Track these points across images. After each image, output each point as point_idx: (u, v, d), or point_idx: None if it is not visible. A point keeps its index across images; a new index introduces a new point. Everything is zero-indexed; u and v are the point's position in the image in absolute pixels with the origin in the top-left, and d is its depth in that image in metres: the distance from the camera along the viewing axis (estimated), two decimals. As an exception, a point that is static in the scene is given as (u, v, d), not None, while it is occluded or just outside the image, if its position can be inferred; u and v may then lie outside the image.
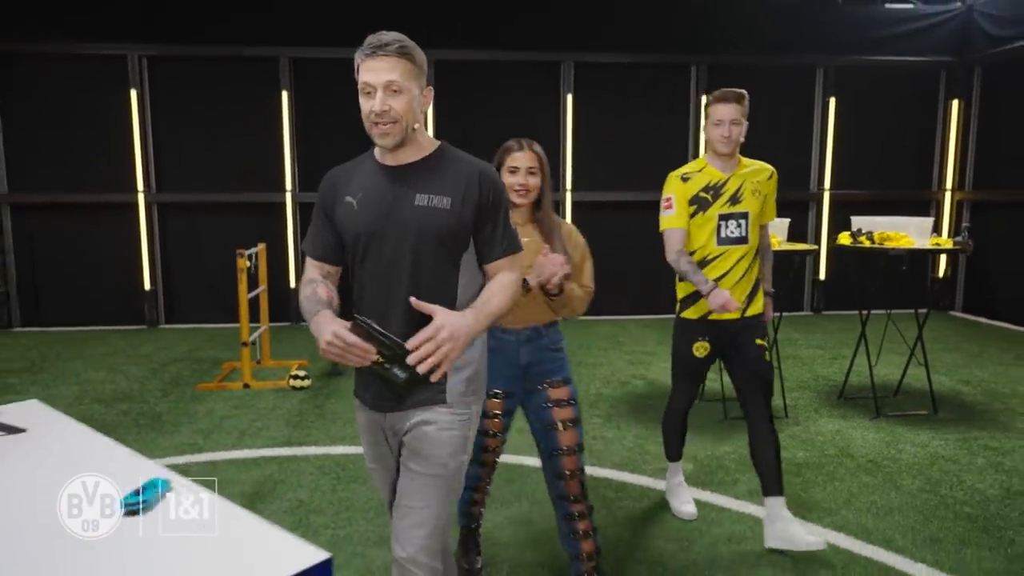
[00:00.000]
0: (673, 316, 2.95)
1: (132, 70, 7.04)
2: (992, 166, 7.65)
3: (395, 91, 1.57)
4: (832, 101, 7.76)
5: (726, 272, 2.75)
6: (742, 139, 2.74)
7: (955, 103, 7.86)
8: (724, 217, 2.74)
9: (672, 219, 2.77)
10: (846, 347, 5.90)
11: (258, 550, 0.92)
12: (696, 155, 7.73)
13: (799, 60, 7.66)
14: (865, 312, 4.50)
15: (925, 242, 4.23)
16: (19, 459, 1.17)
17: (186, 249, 7.42)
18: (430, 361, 1.49)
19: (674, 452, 3.10)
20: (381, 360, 1.52)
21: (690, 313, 2.84)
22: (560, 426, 2.29)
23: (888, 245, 4.16)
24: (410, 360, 1.49)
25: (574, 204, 7.47)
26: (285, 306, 7.19)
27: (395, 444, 1.73)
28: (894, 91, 7.85)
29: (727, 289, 2.70)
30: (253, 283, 5.30)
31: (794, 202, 7.76)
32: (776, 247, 4.14)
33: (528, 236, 2.19)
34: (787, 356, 5.68)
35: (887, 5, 7.70)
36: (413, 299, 1.57)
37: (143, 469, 1.07)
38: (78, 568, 0.87)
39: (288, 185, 7.35)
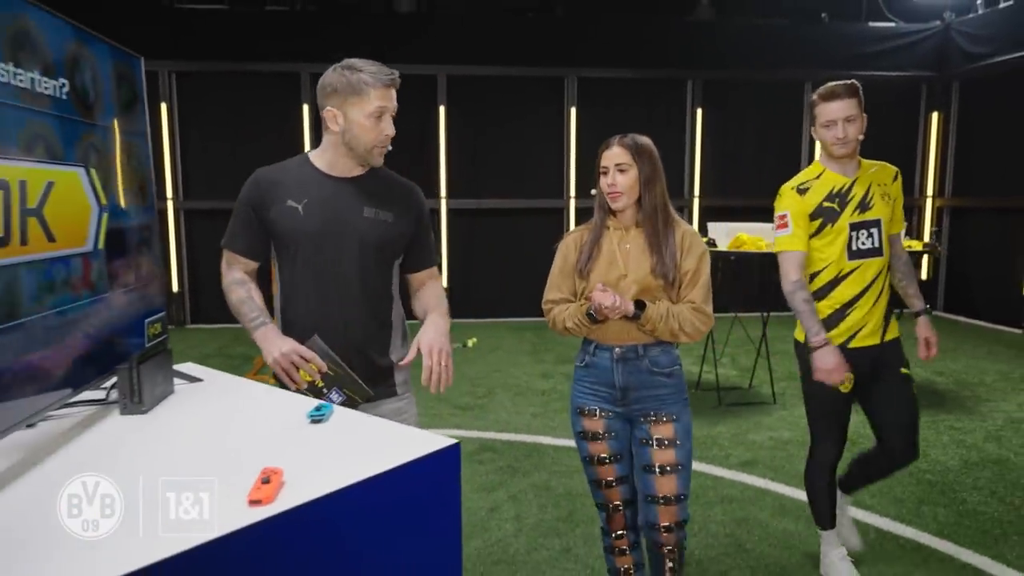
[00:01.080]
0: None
1: (162, 85, 7.49)
2: (970, 174, 8.14)
3: (392, 118, 1.84)
4: (819, 113, 8.24)
5: (863, 290, 2.36)
6: (861, 137, 2.35)
7: (935, 115, 8.36)
8: (855, 227, 2.34)
9: (788, 240, 2.39)
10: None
11: (398, 439, 1.29)
12: (692, 167, 8.21)
13: (788, 75, 8.15)
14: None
15: (898, 245, 4.68)
16: (200, 400, 1.60)
17: (211, 253, 7.84)
18: (442, 381, 1.66)
19: (828, 517, 2.57)
20: (321, 384, 1.68)
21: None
22: (657, 469, 1.97)
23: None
24: (428, 385, 1.65)
25: (578, 211, 7.97)
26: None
27: None
28: (878, 104, 8.30)
29: (865, 311, 2.36)
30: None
31: (784, 208, 8.24)
32: (764, 249, 4.60)
33: (630, 243, 1.99)
34: (777, 352, 6.13)
35: (870, 24, 8.20)
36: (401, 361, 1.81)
37: (301, 405, 1.50)
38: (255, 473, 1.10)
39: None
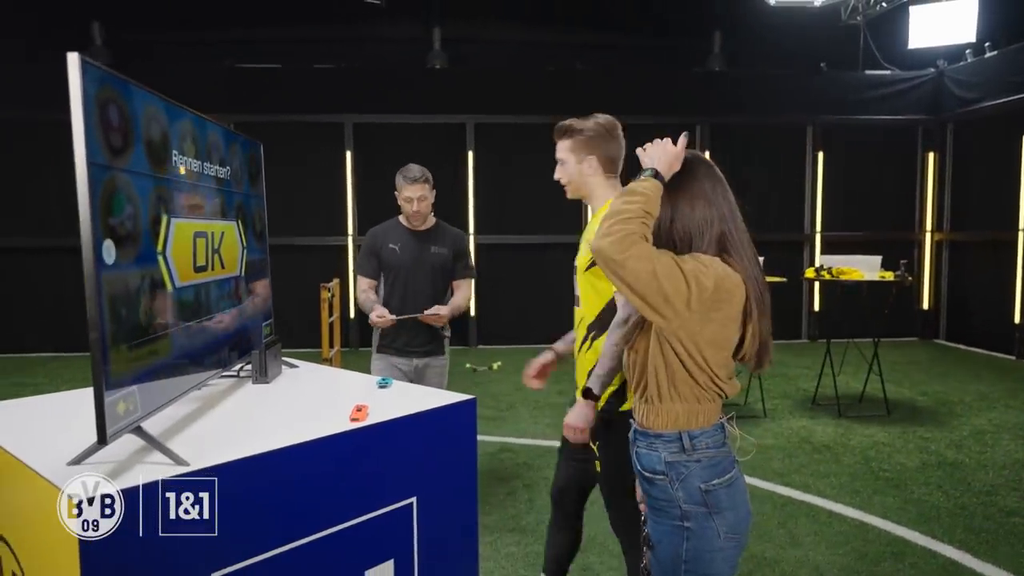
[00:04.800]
0: None
1: (223, 135, 8.43)
2: (966, 209, 8.67)
3: (421, 199, 3.12)
4: (820, 155, 8.88)
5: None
6: (563, 180, 2.32)
7: (931, 155, 8.94)
8: None
9: None
10: (828, 367, 6.89)
11: (435, 395, 1.99)
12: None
13: (790, 120, 8.81)
14: (839, 337, 5.53)
15: (874, 276, 5.28)
16: (302, 377, 2.31)
17: (288, 284, 8.68)
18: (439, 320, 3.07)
19: None
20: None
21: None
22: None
23: (843, 278, 5.23)
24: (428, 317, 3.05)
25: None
26: (348, 331, 8.39)
27: (407, 377, 3.12)
28: (876, 145, 8.94)
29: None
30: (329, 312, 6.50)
31: (790, 242, 8.85)
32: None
33: None
34: (775, 374, 6.70)
35: (867, 72, 8.85)
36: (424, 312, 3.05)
37: (371, 380, 2.20)
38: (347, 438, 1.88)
39: (349, 230, 8.62)
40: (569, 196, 2.33)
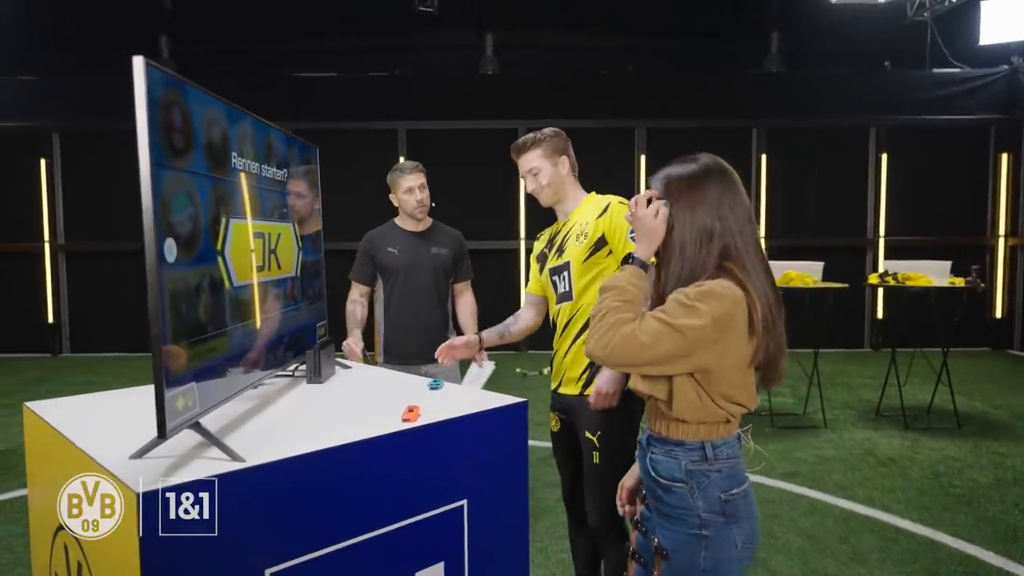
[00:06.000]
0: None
1: (281, 142, 8.66)
2: (1043, 214, 8.22)
3: (422, 187, 3.09)
4: (884, 157, 8.55)
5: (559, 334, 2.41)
6: (544, 182, 2.42)
7: (1004, 156, 8.50)
8: (553, 271, 2.41)
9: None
10: (893, 377, 6.62)
11: (488, 398, 1.97)
12: (755, 205, 8.66)
13: (852, 122, 8.52)
14: (906, 344, 5.30)
15: (943, 282, 5.04)
16: (355, 378, 2.33)
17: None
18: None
19: None
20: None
21: None
22: None
23: (909, 284, 5.01)
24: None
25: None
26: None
27: None
28: (945, 146, 8.57)
29: (560, 356, 2.41)
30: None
31: (851, 248, 8.55)
32: (811, 285, 5.05)
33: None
34: (836, 383, 6.47)
35: (934, 70, 8.50)
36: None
37: (423, 381, 2.19)
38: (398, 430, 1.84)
39: (402, 235, 8.72)
40: (546, 203, 2.43)
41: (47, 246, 8.65)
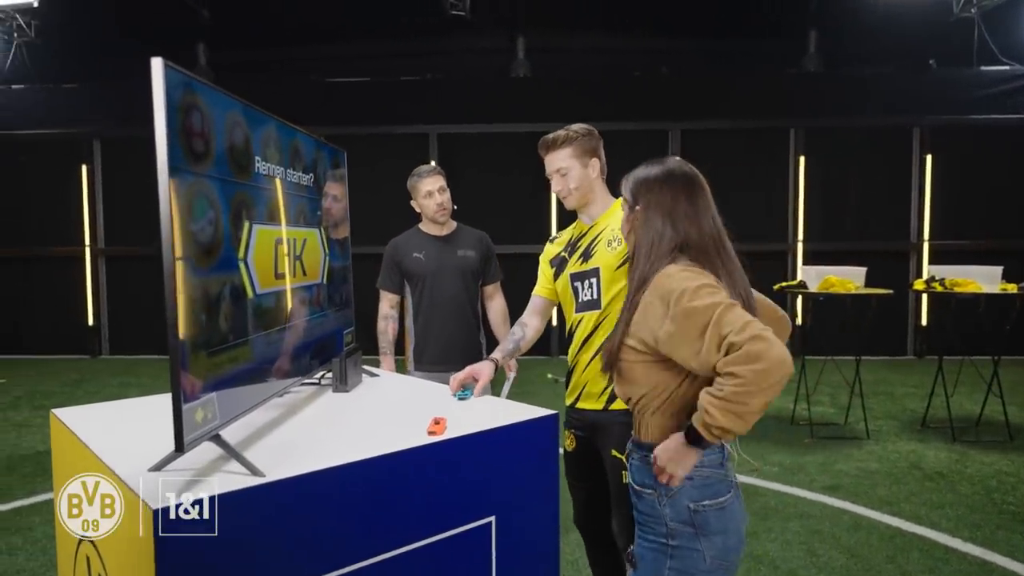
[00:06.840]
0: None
1: (314, 147, 8.73)
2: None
3: (442, 190, 3.00)
4: (929, 158, 8.27)
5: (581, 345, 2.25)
6: (573, 185, 2.27)
7: (1058, 157, 8.16)
8: (575, 277, 2.28)
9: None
10: (940, 387, 6.37)
11: (516, 409, 1.88)
12: (794, 207, 8.43)
13: (895, 122, 8.26)
14: (949, 353, 5.09)
15: (994, 288, 4.82)
16: (382, 387, 2.28)
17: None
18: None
19: None
20: None
21: None
22: None
23: (958, 290, 4.80)
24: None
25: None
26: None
27: None
28: (994, 147, 8.25)
29: (581, 369, 2.25)
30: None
31: (894, 252, 8.28)
32: (854, 291, 4.88)
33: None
34: (878, 393, 6.25)
35: (982, 68, 8.20)
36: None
37: (445, 392, 2.13)
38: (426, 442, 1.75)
39: (433, 239, 8.71)
40: (571, 206, 2.29)
41: (87, 250, 8.84)
